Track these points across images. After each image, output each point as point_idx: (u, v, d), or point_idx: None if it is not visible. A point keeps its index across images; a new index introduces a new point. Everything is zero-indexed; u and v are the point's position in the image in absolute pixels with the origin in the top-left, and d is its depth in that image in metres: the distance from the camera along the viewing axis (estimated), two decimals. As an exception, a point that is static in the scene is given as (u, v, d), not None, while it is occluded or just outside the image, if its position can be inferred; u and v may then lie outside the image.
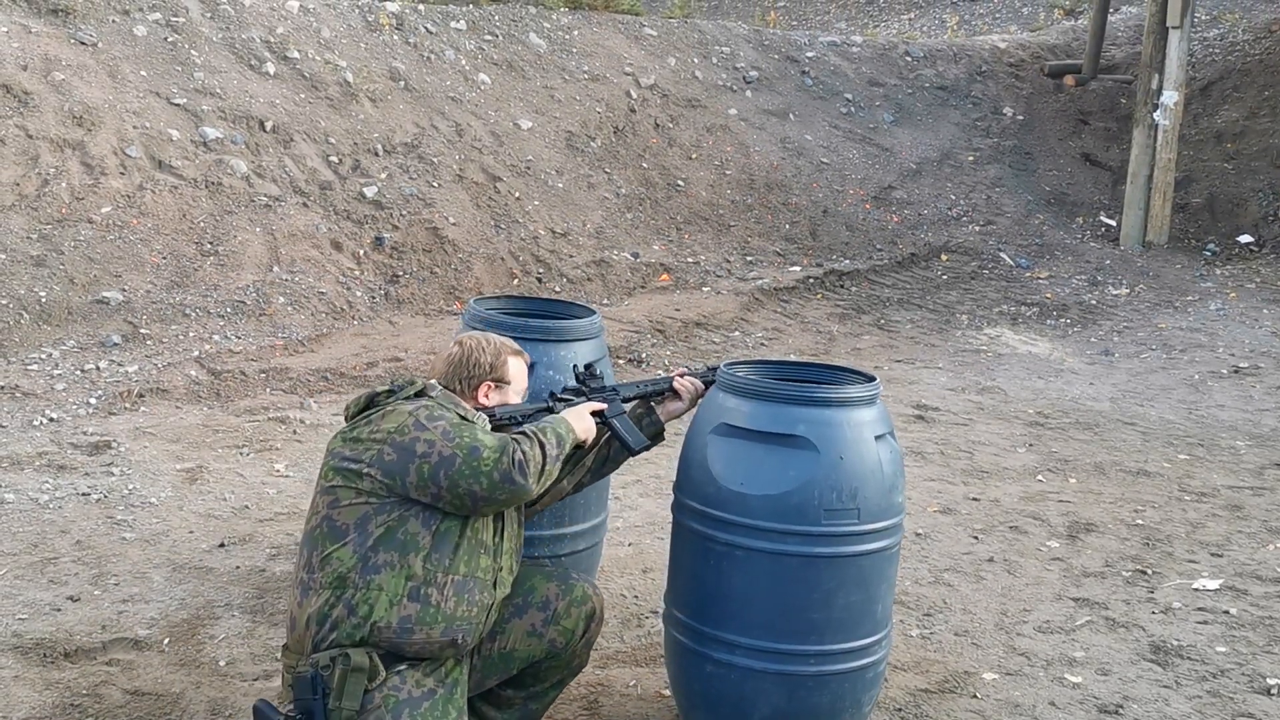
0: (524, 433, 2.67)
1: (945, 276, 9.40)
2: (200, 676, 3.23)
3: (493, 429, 2.73)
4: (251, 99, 7.79)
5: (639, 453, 3.03)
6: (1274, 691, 3.50)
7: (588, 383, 3.01)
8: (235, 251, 6.93)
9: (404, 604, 2.54)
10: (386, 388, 2.72)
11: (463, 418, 2.65)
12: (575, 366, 3.08)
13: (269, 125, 7.71)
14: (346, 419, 2.72)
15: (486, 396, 2.81)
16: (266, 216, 7.22)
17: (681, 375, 3.13)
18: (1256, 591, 4.23)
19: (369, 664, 2.51)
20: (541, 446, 2.65)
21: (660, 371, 6.79)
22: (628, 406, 3.06)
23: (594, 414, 2.92)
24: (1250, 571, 4.41)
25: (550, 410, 2.88)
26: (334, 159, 7.84)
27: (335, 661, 2.51)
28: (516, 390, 2.87)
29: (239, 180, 7.31)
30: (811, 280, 8.74)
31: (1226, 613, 4.05)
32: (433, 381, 2.79)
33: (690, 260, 8.77)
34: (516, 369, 2.86)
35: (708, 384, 3.09)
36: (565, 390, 3.00)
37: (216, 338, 6.34)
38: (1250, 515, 5.03)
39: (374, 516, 2.56)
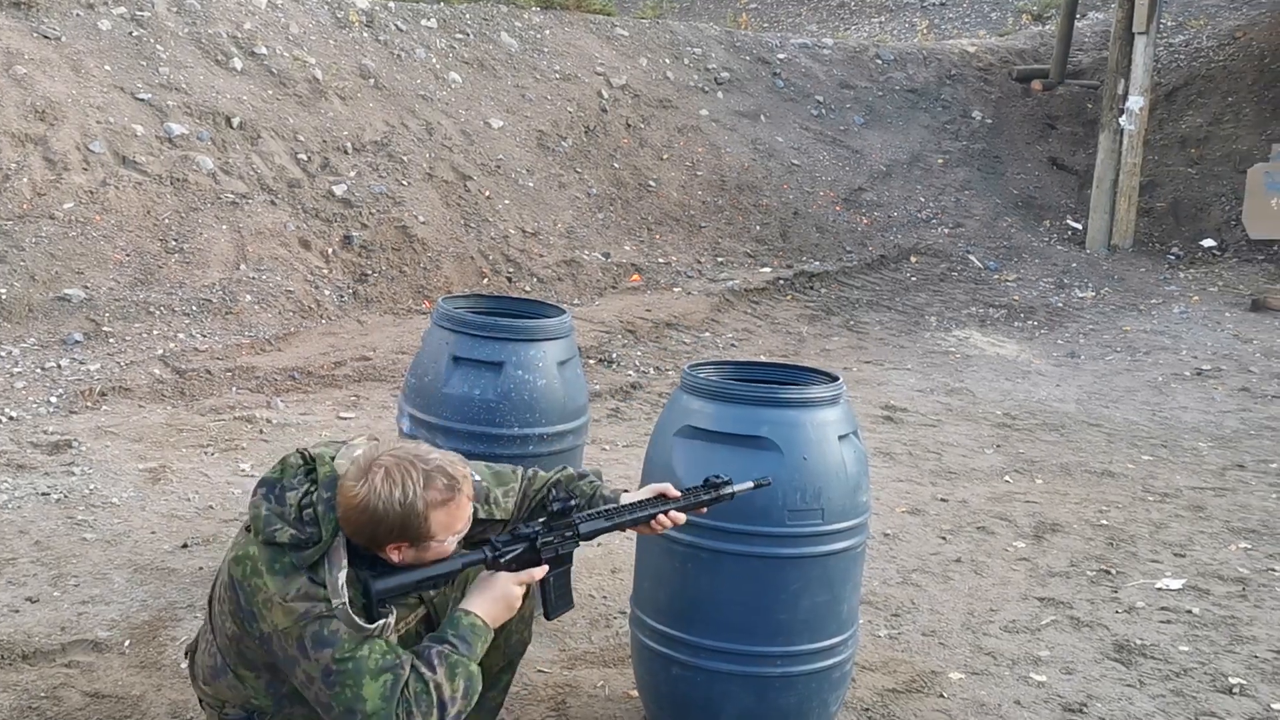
0: (425, 682, 2.22)
1: (914, 278, 9.45)
2: (161, 679, 3.19)
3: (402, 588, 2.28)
4: (218, 95, 7.72)
5: (552, 619, 2.60)
6: (1236, 690, 3.54)
7: (556, 519, 2.49)
8: (201, 249, 6.87)
9: None
10: (288, 537, 2.23)
11: (359, 626, 2.20)
12: (552, 495, 2.52)
13: (236, 122, 7.64)
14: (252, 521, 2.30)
15: (398, 553, 2.28)
16: (233, 214, 7.15)
17: (665, 515, 2.61)
18: (1218, 591, 4.27)
19: None
20: (441, 709, 2.21)
21: (632, 373, 6.79)
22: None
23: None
24: (1212, 571, 4.46)
25: (487, 559, 2.38)
26: (303, 156, 7.79)
27: (272, 716, 2.39)
28: (445, 541, 2.31)
29: (205, 177, 7.24)
30: (782, 281, 8.76)
31: (1189, 612, 4.08)
32: (331, 515, 2.26)
33: (661, 261, 8.77)
34: (444, 520, 2.27)
35: (701, 506, 2.66)
36: (528, 523, 2.49)
37: (181, 336, 6.28)
38: (1212, 515, 5.09)
39: (281, 671, 2.31)
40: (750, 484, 2.71)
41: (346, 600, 2.21)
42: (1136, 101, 10.56)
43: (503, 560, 2.40)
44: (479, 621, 2.34)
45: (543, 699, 3.25)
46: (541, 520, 2.49)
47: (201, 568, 3.89)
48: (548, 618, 2.59)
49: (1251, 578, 4.41)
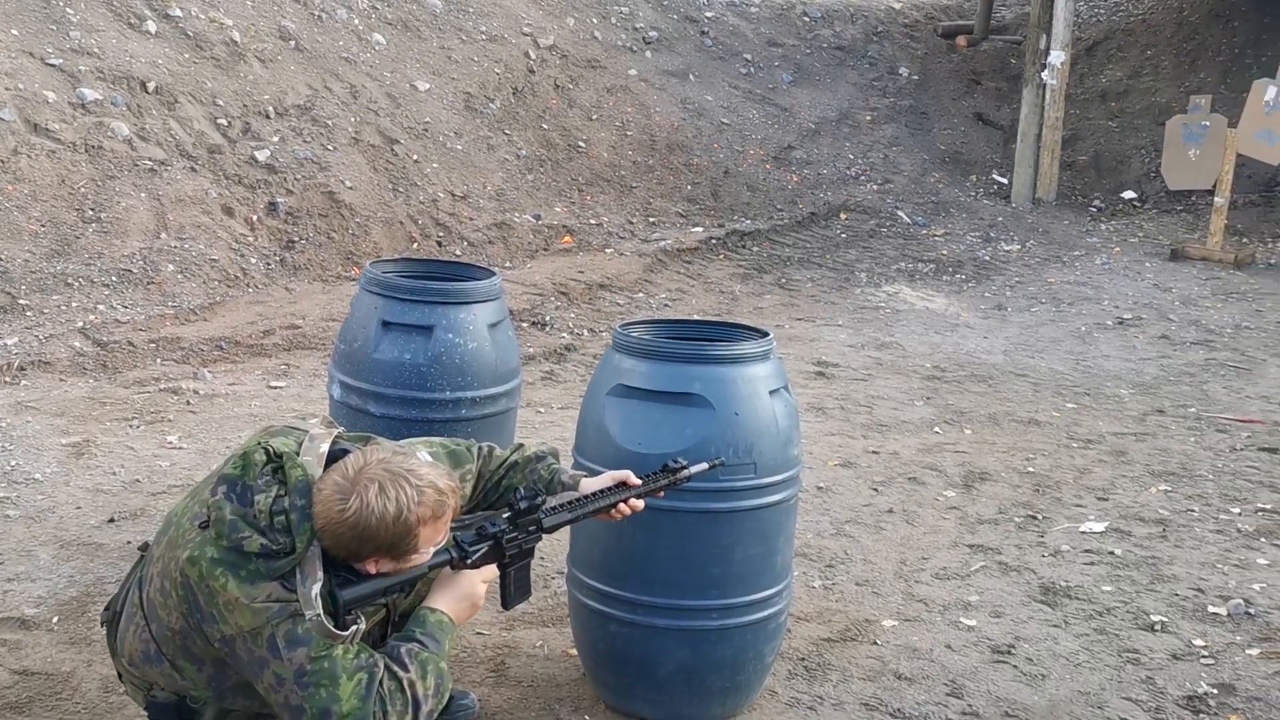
0: (398, 681, 2.18)
1: (844, 235, 9.53)
2: (91, 654, 3.14)
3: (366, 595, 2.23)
4: (132, 59, 7.50)
5: (510, 609, 2.60)
6: (1158, 628, 3.65)
7: (522, 515, 2.46)
8: (119, 218, 6.70)
9: None
10: (258, 546, 2.14)
11: (329, 631, 2.14)
12: (518, 493, 2.48)
13: (151, 86, 7.44)
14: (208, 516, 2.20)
15: (375, 565, 2.24)
16: (152, 181, 6.98)
17: (626, 503, 2.61)
18: (1140, 533, 4.40)
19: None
20: (415, 707, 2.18)
21: (566, 335, 6.77)
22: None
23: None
24: (1134, 514, 4.59)
25: (453, 560, 2.34)
26: (222, 121, 7.61)
27: (209, 703, 2.31)
28: (427, 553, 2.29)
29: (121, 144, 7.05)
30: (714, 241, 8.78)
31: (1112, 553, 4.20)
32: (305, 525, 2.16)
33: (593, 222, 8.74)
34: (430, 534, 2.24)
35: (659, 490, 2.67)
36: (493, 520, 2.44)
37: (102, 308, 6.14)
38: (1134, 460, 5.23)
39: (230, 667, 2.24)
40: (705, 465, 2.73)
41: (320, 612, 2.14)
42: (1058, 56, 10.70)
43: (469, 561, 2.37)
44: (445, 619, 2.31)
45: (482, 660, 3.26)
46: (506, 516, 2.46)
47: (129, 542, 3.83)
48: (505, 607, 2.55)
49: (1171, 519, 4.55)
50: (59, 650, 3.16)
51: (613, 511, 2.60)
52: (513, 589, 2.51)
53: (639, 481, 2.64)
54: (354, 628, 2.18)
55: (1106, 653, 3.50)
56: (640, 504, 2.63)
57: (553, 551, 3.95)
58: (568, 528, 2.64)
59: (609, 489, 2.61)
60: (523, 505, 2.45)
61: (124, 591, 2.45)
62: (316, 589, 2.14)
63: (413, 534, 2.19)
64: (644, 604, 2.90)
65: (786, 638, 3.29)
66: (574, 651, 3.23)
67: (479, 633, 3.39)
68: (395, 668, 2.20)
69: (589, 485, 2.64)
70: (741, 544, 2.88)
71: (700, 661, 2.93)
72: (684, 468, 2.69)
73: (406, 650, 2.23)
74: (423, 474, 2.21)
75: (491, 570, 2.42)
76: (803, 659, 3.36)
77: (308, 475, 2.21)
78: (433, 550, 2.29)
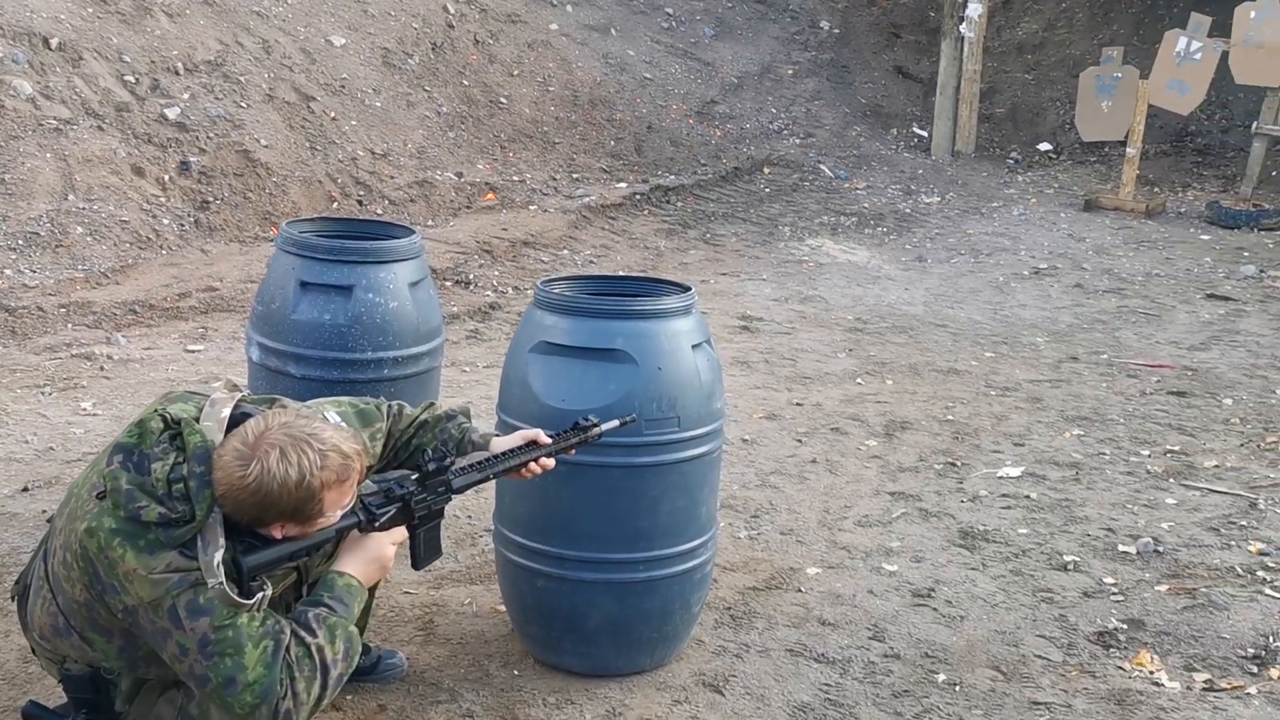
0: (305, 647, 2.16)
1: (768, 189, 9.57)
2: (9, 625, 3.08)
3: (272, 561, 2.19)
4: (32, 14, 7.22)
5: (420, 569, 2.57)
6: (1070, 567, 3.78)
7: (431, 477, 2.45)
8: (24, 179, 6.48)
9: (184, 708, 2.27)
10: (156, 515, 2.08)
11: (232, 599, 2.10)
12: (425, 455, 2.45)
13: (54, 43, 7.18)
14: (105, 486, 2.14)
15: (281, 530, 2.19)
16: (58, 141, 6.76)
17: (537, 461, 2.60)
18: (1054, 476, 4.53)
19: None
20: (324, 672, 2.15)
21: (490, 293, 6.73)
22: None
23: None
24: (1049, 458, 4.72)
25: (361, 523, 2.31)
26: (130, 79, 7.38)
27: (123, 674, 2.28)
28: (332, 516, 2.24)
29: (24, 103, 6.81)
30: (638, 196, 8.76)
31: (1028, 497, 4.32)
32: (205, 492, 2.11)
33: (516, 179, 8.66)
34: (335, 498, 2.20)
35: (570, 448, 2.67)
36: (402, 482, 2.42)
37: (9, 272, 5.95)
38: (1049, 406, 5.36)
39: (138, 637, 2.20)
40: (616, 422, 2.74)
41: (223, 580, 2.09)
42: (976, 9, 10.81)
43: (377, 524, 2.35)
44: (354, 582, 2.28)
45: (410, 619, 3.26)
46: (415, 478, 2.44)
47: (44, 510, 3.75)
48: (415, 568, 2.55)
49: (1084, 462, 4.68)
50: (-26, 623, 3.09)
51: (523, 470, 2.60)
52: (423, 549, 2.51)
53: (549, 440, 2.64)
54: (259, 595, 2.15)
55: (1022, 593, 3.61)
56: (551, 462, 2.64)
57: (480, 509, 3.95)
58: (481, 486, 2.63)
59: (519, 448, 2.61)
60: (431, 467, 2.44)
61: (31, 565, 2.41)
62: (219, 556, 2.10)
63: (317, 499, 2.15)
64: (570, 558, 2.92)
65: (713, 588, 3.34)
66: (502, 608, 3.24)
67: (406, 592, 3.39)
68: (303, 633, 2.18)
69: (500, 445, 2.64)
70: (666, 497, 2.91)
71: (628, 613, 2.96)
72: (595, 425, 2.71)
73: (314, 615, 2.21)
74: (326, 438, 2.17)
75: (400, 532, 2.40)
76: (729, 608, 3.42)
77: (207, 441, 2.16)
78: (340, 514, 2.26)
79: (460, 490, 2.52)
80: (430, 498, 2.45)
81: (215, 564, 2.10)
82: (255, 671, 2.10)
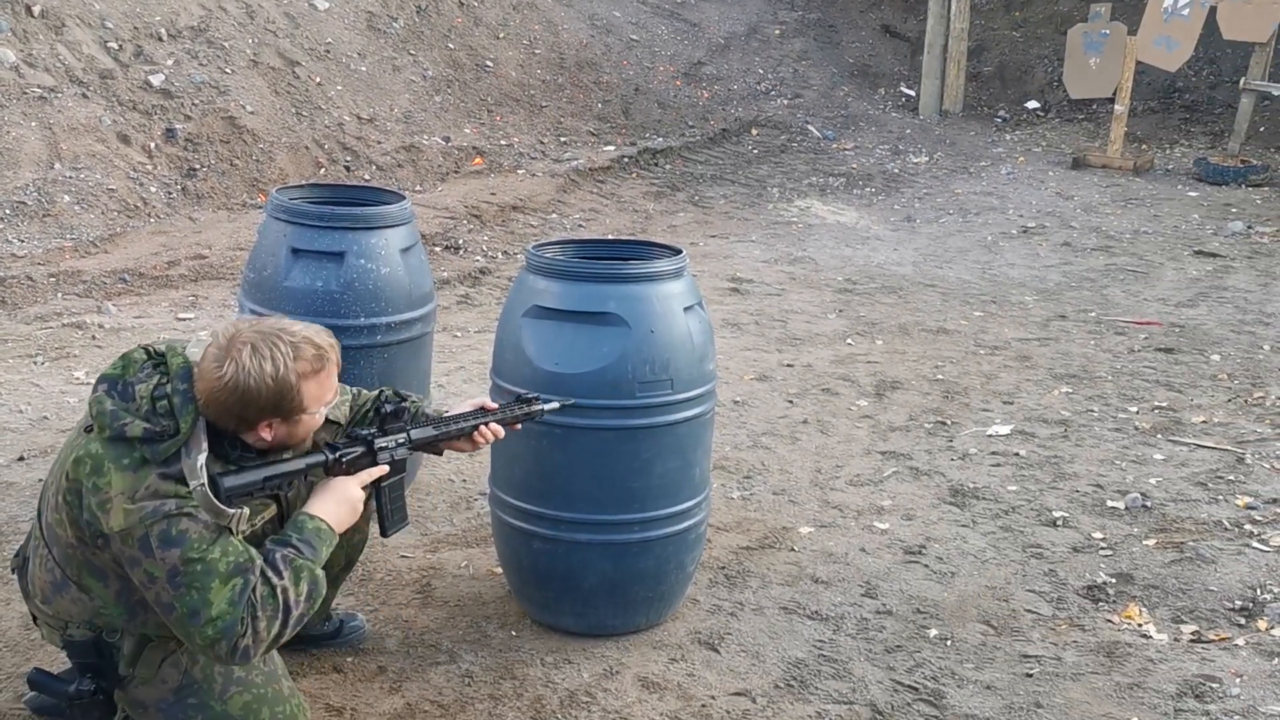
0: (271, 587, 2.17)
1: (756, 151, 9.55)
2: (9, 593, 3.10)
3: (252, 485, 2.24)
4: (13, -19, 7.15)
5: (390, 535, 2.61)
6: (1059, 523, 3.82)
7: (388, 420, 2.51)
8: (10, 148, 6.44)
9: (188, 670, 2.32)
10: (140, 431, 2.13)
11: (218, 526, 2.15)
12: (382, 400, 2.58)
13: (36, 10, 7.11)
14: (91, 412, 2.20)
15: (269, 430, 2.24)
16: (42, 109, 6.71)
17: (487, 425, 2.66)
18: (1043, 434, 4.57)
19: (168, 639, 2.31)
20: (285, 612, 2.18)
21: (479, 258, 6.73)
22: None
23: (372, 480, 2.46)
24: (1038, 416, 4.76)
25: (328, 461, 2.37)
26: (113, 45, 7.32)
27: (124, 631, 2.30)
28: (316, 413, 2.29)
29: (7, 71, 6.75)
30: (626, 159, 8.74)
31: (1017, 455, 4.36)
32: (189, 407, 2.16)
33: (503, 143, 8.63)
34: (315, 391, 2.23)
35: (517, 423, 2.76)
36: (363, 426, 2.53)
37: (-3, 243, 5.93)
38: (1037, 364, 5.40)
39: (130, 582, 2.22)
40: (556, 404, 2.81)
41: (205, 482, 2.13)
42: (964, -34, 10.75)
43: (344, 461, 2.40)
44: (324, 525, 2.31)
45: (408, 583, 3.29)
46: (375, 422, 2.53)
47: (40, 479, 3.76)
48: (384, 534, 2.58)
49: (1073, 419, 4.73)
50: (-25, 592, 3.12)
51: (475, 436, 2.65)
52: (389, 510, 2.55)
53: (495, 407, 2.70)
54: (237, 511, 2.18)
55: (1012, 549, 3.65)
56: (501, 431, 2.68)
57: (474, 472, 3.98)
58: (447, 444, 2.67)
59: (471, 412, 2.68)
60: (388, 408, 2.52)
61: (29, 536, 2.43)
62: (202, 459, 2.15)
63: (294, 390, 2.19)
64: (566, 520, 2.95)
65: (707, 548, 3.38)
66: (499, 570, 3.28)
67: (404, 556, 3.43)
68: (269, 573, 2.20)
69: (453, 412, 2.71)
70: (660, 458, 2.94)
71: (623, 574, 2.99)
72: (535, 399, 2.78)
73: (281, 556, 2.23)
74: (296, 330, 2.23)
75: (367, 475, 2.43)
76: (723, 567, 3.46)
77: (189, 361, 2.21)
78: (324, 411, 2.31)
79: (418, 444, 2.57)
80: (391, 446, 2.49)
81: (199, 466, 2.14)
82: (219, 607, 2.13)
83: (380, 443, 2.47)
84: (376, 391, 2.71)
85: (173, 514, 2.12)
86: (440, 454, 2.73)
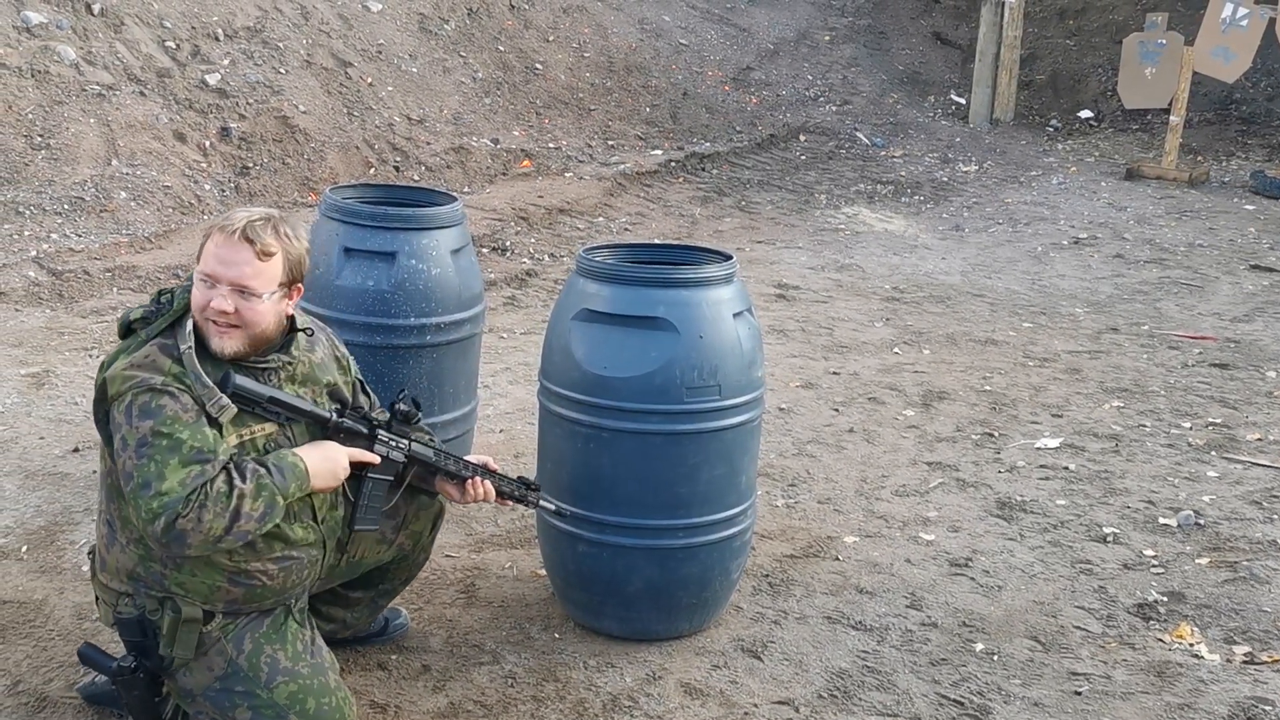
0: (230, 487, 2.23)
1: (804, 157, 9.51)
2: (63, 582, 3.16)
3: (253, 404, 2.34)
4: (75, -20, 7.28)
5: (356, 531, 2.60)
6: (1110, 539, 3.77)
7: (394, 421, 2.58)
8: (69, 145, 6.55)
9: (227, 589, 2.37)
10: (140, 313, 2.38)
11: (198, 411, 2.26)
12: (401, 397, 2.63)
13: (96, 8, 7.23)
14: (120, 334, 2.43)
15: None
16: (101, 106, 6.82)
17: (483, 480, 2.68)
18: (1093, 448, 4.51)
19: (200, 615, 2.37)
20: (234, 517, 2.22)
21: (526, 260, 6.76)
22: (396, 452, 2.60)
23: (361, 465, 2.50)
24: (1087, 429, 4.70)
25: (330, 419, 2.46)
26: (171, 44, 7.43)
27: (164, 606, 2.36)
28: (204, 264, 2.35)
29: (68, 68, 6.87)
30: (673, 163, 8.74)
31: (1066, 469, 4.31)
32: (185, 295, 2.37)
33: (551, 145, 8.66)
34: (211, 249, 2.35)
35: (510, 499, 2.77)
36: (365, 416, 2.56)
37: (55, 236, 6.03)
38: (1088, 377, 5.33)
39: None
40: (553, 507, 2.87)
41: (192, 345, 2.29)
42: (1018, -26, 10.64)
43: (343, 426, 2.49)
44: (301, 465, 2.36)
45: (452, 582, 3.31)
46: (387, 417, 2.59)
47: (95, 471, 3.82)
48: (350, 528, 2.59)
49: (1124, 434, 4.66)
50: (30, 579, 3.17)
51: (467, 484, 2.66)
52: (365, 504, 2.56)
53: (497, 469, 2.74)
54: (223, 397, 2.29)
55: (1060, 564, 3.61)
56: (493, 493, 2.69)
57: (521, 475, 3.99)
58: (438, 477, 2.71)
59: (472, 459, 2.71)
60: (403, 407, 2.60)
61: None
62: (190, 324, 2.33)
63: (203, 242, 2.38)
64: (612, 524, 2.95)
65: (751, 555, 3.37)
66: (543, 572, 3.28)
67: (448, 555, 3.44)
68: (235, 475, 2.26)
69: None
70: (707, 464, 2.93)
71: (668, 579, 2.99)
72: (538, 489, 2.82)
73: (251, 468, 2.29)
74: (255, 210, 2.47)
75: (357, 453, 2.48)
76: (767, 575, 3.45)
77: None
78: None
79: (412, 457, 2.60)
80: (390, 443, 2.56)
81: (188, 331, 2.32)
82: (169, 484, 2.20)
83: (382, 435, 2.55)
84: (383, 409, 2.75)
85: (156, 388, 2.25)
86: (433, 491, 2.74)
